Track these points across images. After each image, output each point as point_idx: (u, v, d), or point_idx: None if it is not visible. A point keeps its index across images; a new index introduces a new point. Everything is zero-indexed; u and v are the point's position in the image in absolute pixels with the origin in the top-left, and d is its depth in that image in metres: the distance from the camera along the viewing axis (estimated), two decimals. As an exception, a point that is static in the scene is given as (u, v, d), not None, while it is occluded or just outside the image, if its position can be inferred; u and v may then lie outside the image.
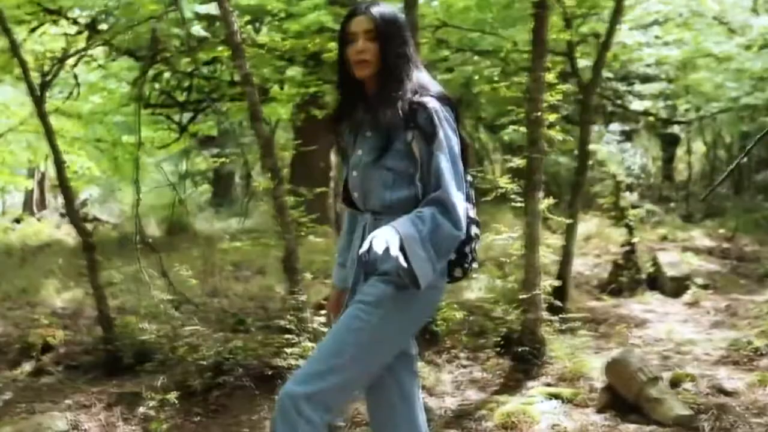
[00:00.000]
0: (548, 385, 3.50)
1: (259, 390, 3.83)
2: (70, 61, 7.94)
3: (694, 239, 8.44)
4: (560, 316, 3.87)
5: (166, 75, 10.85)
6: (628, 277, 6.70)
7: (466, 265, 2.06)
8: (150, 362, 4.75)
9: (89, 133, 12.95)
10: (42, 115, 4.44)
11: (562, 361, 3.66)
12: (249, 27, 9.83)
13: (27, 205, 16.07)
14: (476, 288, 5.55)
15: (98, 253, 10.08)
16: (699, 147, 16.61)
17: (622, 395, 3.18)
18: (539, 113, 3.69)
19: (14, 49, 4.44)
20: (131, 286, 6.16)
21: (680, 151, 16.92)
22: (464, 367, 3.84)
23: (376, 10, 2.02)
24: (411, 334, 2.06)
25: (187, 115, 12.30)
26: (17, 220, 14.46)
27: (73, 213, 4.63)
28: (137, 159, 4.82)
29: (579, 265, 7.48)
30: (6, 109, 12.97)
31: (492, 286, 5.16)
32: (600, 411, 3.17)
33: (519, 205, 4.11)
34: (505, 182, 3.92)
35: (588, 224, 9.80)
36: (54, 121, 13.00)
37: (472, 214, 2.07)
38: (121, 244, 10.80)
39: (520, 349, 3.64)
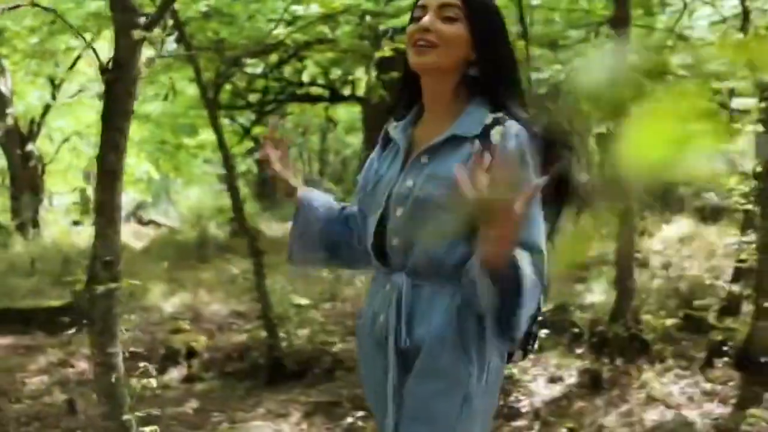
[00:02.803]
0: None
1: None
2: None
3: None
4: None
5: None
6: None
7: (529, 347, 1.57)
8: (317, 369, 4.68)
9: (155, 135, 12.97)
10: (214, 118, 4.34)
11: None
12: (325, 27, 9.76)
13: (84, 208, 16.05)
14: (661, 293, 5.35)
15: (179, 257, 9.98)
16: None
17: None
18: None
19: (188, 48, 4.35)
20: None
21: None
22: (683, 377, 3.73)
23: None
24: None
25: (248, 118, 12.27)
26: (75, 222, 14.43)
27: (241, 217, 4.54)
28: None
29: (694, 268, 7.33)
30: (71, 113, 12.99)
31: (701, 290, 5.00)
32: None
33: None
34: (733, 184, 3.80)
35: (678, 225, 9.65)
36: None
37: (545, 279, 1.51)
38: (200, 246, 10.77)
39: (764, 360, 3.52)
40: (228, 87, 10.91)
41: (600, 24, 4.77)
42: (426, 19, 1.40)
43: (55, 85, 11.38)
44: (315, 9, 6.53)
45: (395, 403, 1.44)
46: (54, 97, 11.48)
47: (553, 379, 3.75)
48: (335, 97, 11.52)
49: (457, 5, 1.41)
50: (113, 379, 1.97)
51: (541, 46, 6.32)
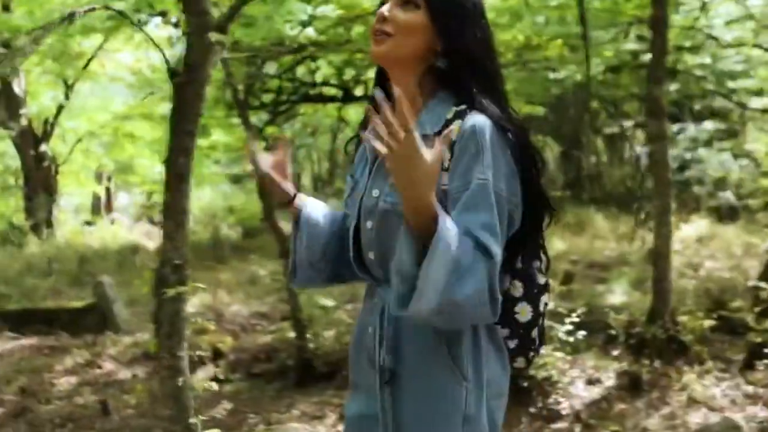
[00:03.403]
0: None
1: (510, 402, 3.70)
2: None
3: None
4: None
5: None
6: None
7: (532, 354, 1.43)
8: (346, 371, 4.66)
9: (167, 136, 12.96)
10: (246, 119, 4.33)
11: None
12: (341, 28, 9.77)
13: (95, 208, 16.10)
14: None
15: (194, 257, 9.99)
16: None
17: None
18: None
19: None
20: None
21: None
22: (723, 379, 3.71)
23: None
24: None
25: (260, 118, 12.25)
26: (88, 223, 14.47)
27: (272, 219, 4.53)
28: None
29: (718, 269, 7.30)
30: (84, 113, 13.02)
31: (731, 290, 4.98)
32: None
33: None
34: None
35: (696, 226, 9.62)
36: (131, 125, 13.07)
37: (542, 279, 1.41)
38: (214, 247, 10.77)
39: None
40: (241, 87, 10.85)
41: (629, 24, 4.74)
42: (383, 7, 1.32)
43: (68, 86, 11.40)
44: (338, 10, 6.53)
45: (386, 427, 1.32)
46: (67, 98, 11.49)
47: (591, 381, 3.73)
48: (348, 98, 11.51)
49: None
50: (180, 383, 1.96)
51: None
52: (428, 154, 1.15)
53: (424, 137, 1.25)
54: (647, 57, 8.06)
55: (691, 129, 10.64)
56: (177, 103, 1.90)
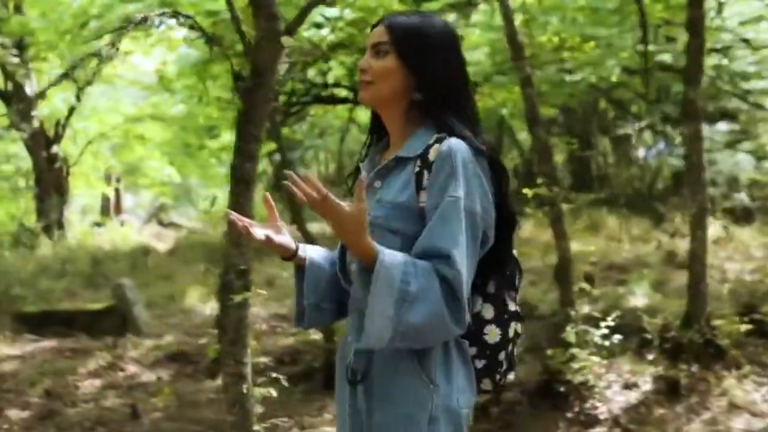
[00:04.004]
0: None
1: (543, 406, 3.68)
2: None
3: None
4: None
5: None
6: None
7: (499, 377, 1.49)
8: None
9: (178, 137, 12.97)
10: (275, 124, 4.31)
11: None
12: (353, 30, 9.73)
13: (104, 210, 16.08)
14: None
15: (207, 259, 9.90)
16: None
17: None
18: None
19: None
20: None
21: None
22: (763, 384, 3.68)
23: (394, 19, 1.49)
24: None
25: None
26: (97, 224, 14.45)
27: (300, 221, 4.51)
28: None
29: (741, 271, 7.26)
30: (95, 115, 13.00)
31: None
32: None
33: None
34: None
35: (711, 227, 9.56)
36: (141, 127, 13.02)
37: (513, 306, 1.51)
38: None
39: None
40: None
41: (658, 26, 4.71)
42: (361, 60, 1.49)
43: (79, 88, 11.36)
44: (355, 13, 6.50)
45: None
46: (79, 99, 11.46)
47: (628, 386, 3.70)
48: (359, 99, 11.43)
49: (385, 40, 1.46)
50: (244, 389, 1.94)
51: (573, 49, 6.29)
52: (348, 207, 1.31)
53: (408, 160, 1.45)
54: (663, 58, 8.07)
55: (705, 130, 10.60)
56: (244, 107, 1.88)
